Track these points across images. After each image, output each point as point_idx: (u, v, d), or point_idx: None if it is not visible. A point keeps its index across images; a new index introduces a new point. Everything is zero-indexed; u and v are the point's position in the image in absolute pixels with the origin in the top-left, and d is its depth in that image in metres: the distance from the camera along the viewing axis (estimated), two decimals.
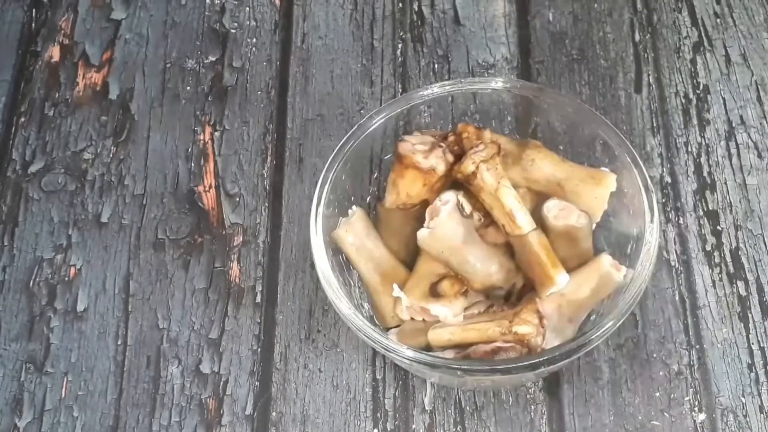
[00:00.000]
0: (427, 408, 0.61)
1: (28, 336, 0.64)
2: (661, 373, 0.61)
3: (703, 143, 0.69)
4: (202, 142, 0.71)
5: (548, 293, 0.56)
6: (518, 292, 0.58)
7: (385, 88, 0.73)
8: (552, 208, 0.58)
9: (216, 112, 0.72)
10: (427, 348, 0.57)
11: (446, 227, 0.56)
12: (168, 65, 0.75)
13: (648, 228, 0.56)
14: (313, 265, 0.62)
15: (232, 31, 0.76)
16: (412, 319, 0.58)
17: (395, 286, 0.57)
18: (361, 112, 0.72)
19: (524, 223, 0.56)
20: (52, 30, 0.77)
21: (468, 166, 0.56)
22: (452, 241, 0.57)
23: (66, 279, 0.66)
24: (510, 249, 0.58)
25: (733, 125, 0.70)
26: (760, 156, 0.69)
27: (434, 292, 0.57)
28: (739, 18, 0.75)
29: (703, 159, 0.69)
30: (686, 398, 0.60)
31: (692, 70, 0.73)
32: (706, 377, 0.61)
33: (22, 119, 0.73)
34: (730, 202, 0.67)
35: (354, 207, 0.61)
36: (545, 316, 0.56)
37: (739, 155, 0.69)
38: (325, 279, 0.57)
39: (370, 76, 0.73)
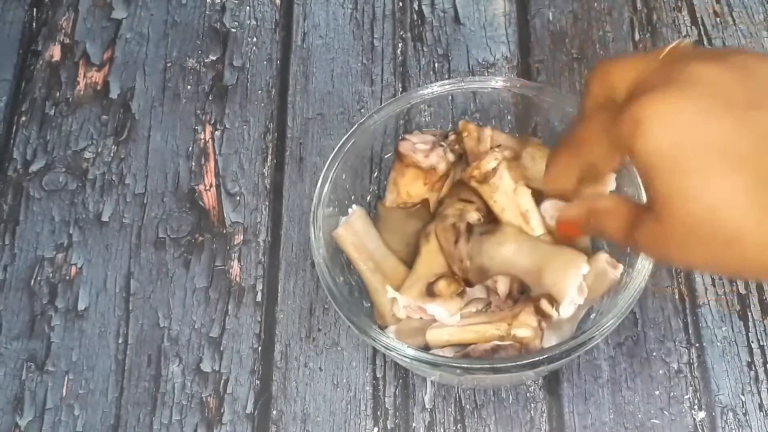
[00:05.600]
0: (427, 406, 0.61)
1: (29, 335, 0.64)
2: (660, 372, 0.61)
3: None
4: (202, 141, 0.71)
5: None
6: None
7: (386, 87, 0.73)
8: (549, 209, 0.58)
9: (216, 111, 0.72)
10: (426, 347, 0.57)
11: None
12: (168, 64, 0.75)
13: None
14: (313, 264, 0.62)
15: (233, 30, 0.76)
16: (408, 318, 0.58)
17: (388, 287, 0.57)
18: (362, 111, 0.72)
19: (537, 225, 0.56)
20: (53, 29, 0.77)
21: (489, 161, 0.56)
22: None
23: (67, 278, 0.66)
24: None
25: None
26: None
27: (431, 292, 0.57)
28: (738, 17, 0.75)
29: None
30: (686, 396, 0.60)
31: None
32: (705, 375, 0.61)
33: (23, 118, 0.73)
34: None
35: (354, 206, 0.61)
36: None
37: None
38: (324, 278, 0.57)
39: (370, 75, 0.74)
